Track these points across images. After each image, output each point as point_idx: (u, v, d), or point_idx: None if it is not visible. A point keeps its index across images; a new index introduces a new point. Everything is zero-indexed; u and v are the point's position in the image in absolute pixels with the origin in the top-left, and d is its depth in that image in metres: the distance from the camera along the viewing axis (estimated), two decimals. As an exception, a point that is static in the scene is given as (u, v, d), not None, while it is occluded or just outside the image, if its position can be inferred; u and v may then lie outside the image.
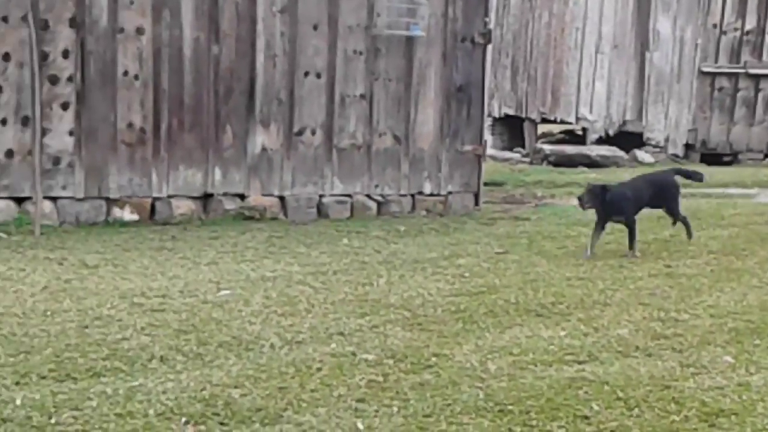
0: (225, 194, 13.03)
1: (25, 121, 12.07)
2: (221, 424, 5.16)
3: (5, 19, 11.93)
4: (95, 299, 8.01)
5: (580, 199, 10.45)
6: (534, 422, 5.38)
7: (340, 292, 8.54)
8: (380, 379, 6.03)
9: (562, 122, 24.27)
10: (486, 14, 14.45)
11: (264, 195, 13.22)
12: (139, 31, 12.50)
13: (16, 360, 6.18)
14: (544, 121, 24.53)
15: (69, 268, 9.44)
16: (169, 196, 12.79)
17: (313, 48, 13.36)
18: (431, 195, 14.23)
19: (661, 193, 10.88)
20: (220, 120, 12.98)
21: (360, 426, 5.21)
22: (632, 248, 10.45)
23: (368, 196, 13.87)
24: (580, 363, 6.50)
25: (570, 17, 23.32)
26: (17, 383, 5.71)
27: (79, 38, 12.27)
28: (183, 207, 12.81)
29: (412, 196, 14.19)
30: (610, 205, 10.33)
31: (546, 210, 14.55)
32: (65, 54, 12.21)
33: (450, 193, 14.42)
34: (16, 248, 10.51)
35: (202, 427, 5.09)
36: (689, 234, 11.12)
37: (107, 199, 12.51)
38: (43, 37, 12.06)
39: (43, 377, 5.85)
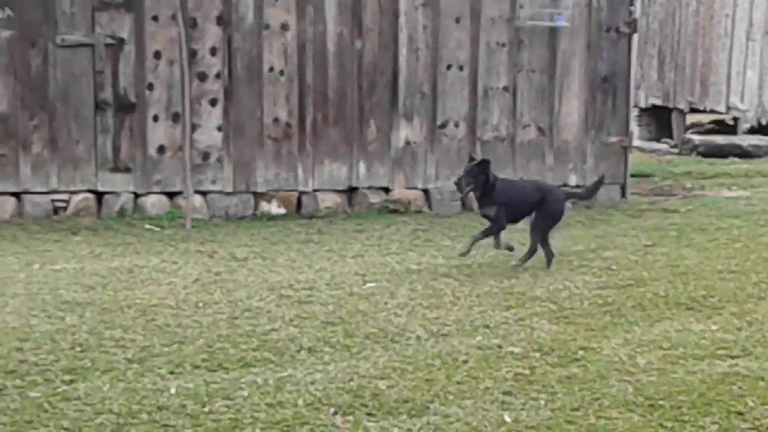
0: (369, 188, 13.12)
1: (176, 118, 12.39)
2: (369, 414, 5.20)
3: (155, 18, 12.26)
4: (245, 291, 8.17)
5: (457, 183, 9.10)
6: (686, 417, 5.26)
7: (486, 284, 8.50)
8: (527, 372, 5.99)
9: (712, 112, 23.63)
10: (631, 3, 14.17)
11: (408, 188, 13.27)
12: (284, 27, 12.68)
13: (170, 350, 6.34)
14: (693, 111, 23.93)
15: (219, 260, 9.65)
16: (315, 190, 12.95)
17: (455, 41, 13.34)
18: (576, 187, 14.04)
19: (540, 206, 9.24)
20: (363, 114, 13.08)
21: (507, 419, 5.19)
22: (494, 242, 9.19)
23: (510, 188, 13.76)
24: (733, 358, 6.33)
25: (719, 4, 22.70)
26: (172, 372, 5.85)
27: (226, 35, 12.53)
28: (328, 200, 12.95)
29: (557, 188, 14.04)
30: (490, 192, 9.04)
31: (695, 201, 14.19)
32: (213, 51, 12.49)
33: (595, 185, 14.20)
34: (169, 241, 10.80)
35: (350, 418, 5.14)
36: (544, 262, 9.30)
37: (255, 193, 12.75)
38: (192, 34, 12.36)
39: (197, 367, 5.99)
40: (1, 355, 6.11)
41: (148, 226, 11.72)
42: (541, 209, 9.18)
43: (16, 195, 12.09)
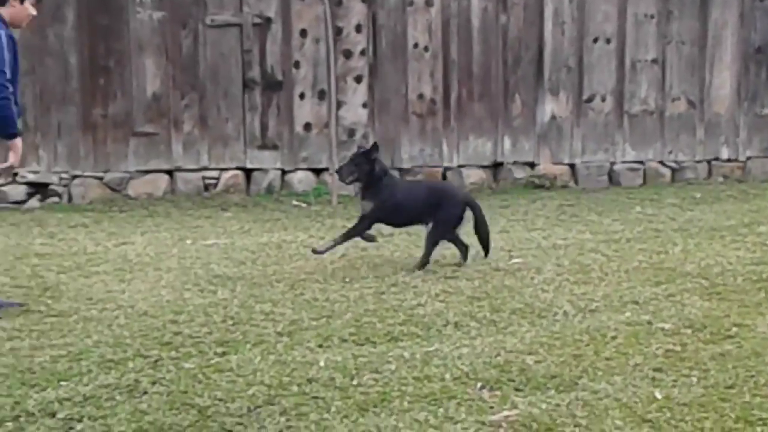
0: (515, 163, 13.05)
1: (322, 95, 12.52)
2: (516, 389, 5.16)
3: (302, -3, 12.41)
4: (391, 266, 8.21)
5: (338, 172, 8.36)
6: None
7: (634, 260, 8.36)
8: (678, 348, 5.86)
9: None
10: (787, -31, 13.72)
11: (554, 163, 13.14)
12: (428, 3, 12.68)
13: (319, 324, 6.42)
14: None
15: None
16: (460, 166, 12.94)
17: (602, 13, 13.12)
18: (728, 161, 13.69)
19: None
20: (508, 89, 12.99)
21: (658, 395, 5.08)
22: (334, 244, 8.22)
23: (661, 162, 13.51)
24: None
25: None
26: (320, 346, 5.92)
27: (370, 12, 12.59)
28: (473, 176, 12.93)
29: (708, 162, 13.71)
30: (375, 185, 8.07)
31: None
32: (358, 28, 12.56)
33: (749, 158, 13.82)
34: (315, 217, 10.94)
35: (498, 392, 5.11)
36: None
37: (400, 170, 12.80)
38: (337, 12, 12.45)
39: (344, 340, 6.04)
40: (156, 328, 6.28)
41: (295, 203, 11.90)
42: (436, 215, 8.06)
43: (169, 173, 12.41)
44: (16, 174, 12.07)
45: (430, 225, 8.07)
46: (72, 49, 12.17)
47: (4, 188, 12.03)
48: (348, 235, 8.16)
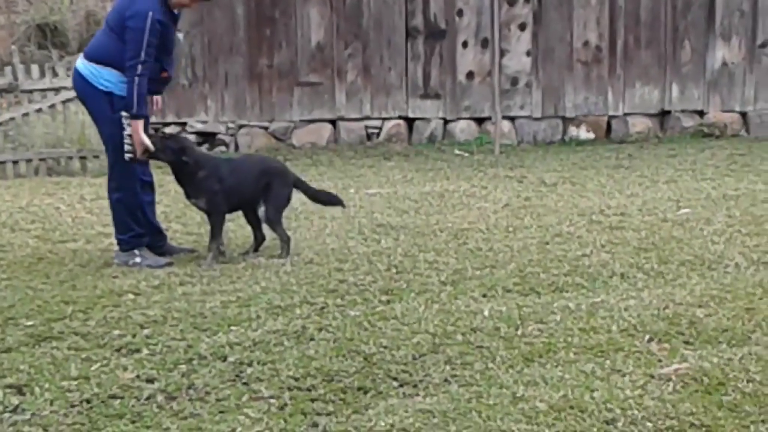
0: (683, 111, 12.69)
1: (485, 43, 12.40)
2: (686, 343, 5.04)
3: (465, -56, 12.28)
4: (554, 216, 8.11)
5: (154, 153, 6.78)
6: None
7: (811, 211, 8.05)
8: None
9: None
10: None
11: (724, 111, 12.72)
12: (595, -53, 12.40)
13: (482, 273, 6.39)
14: None
15: (528, 186, 9.63)
16: (625, 114, 12.67)
17: (779, -46, 12.59)
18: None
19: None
20: (677, 35, 12.62)
21: (836, 352, 4.89)
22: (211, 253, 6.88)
23: (839, 110, 12.95)
24: None
25: None
26: (484, 295, 5.90)
27: (536, -41, 12.39)
28: (639, 125, 12.65)
29: None
30: (190, 179, 6.87)
31: None
32: (523, -25, 12.39)
33: None
34: (478, 167, 10.89)
35: (667, 345, 4.99)
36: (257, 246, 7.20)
37: (563, 118, 12.62)
38: (502, -41, 12.29)
39: (508, 291, 6.00)
40: (322, 275, 6.36)
41: (457, 152, 11.87)
42: (268, 197, 6.98)
43: (332, 122, 12.52)
44: (184, 124, 12.39)
45: (262, 208, 6.95)
46: (239, 0, 12.36)
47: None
48: (215, 237, 6.87)
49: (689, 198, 8.76)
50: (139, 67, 6.48)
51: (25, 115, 11.79)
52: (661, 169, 10.36)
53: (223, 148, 12.44)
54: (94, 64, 6.68)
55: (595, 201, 8.73)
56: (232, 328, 5.30)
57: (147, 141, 6.61)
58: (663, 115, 12.75)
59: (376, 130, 12.54)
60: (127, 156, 6.70)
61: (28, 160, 11.71)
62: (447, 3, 12.38)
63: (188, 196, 6.94)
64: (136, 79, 6.49)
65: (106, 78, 6.64)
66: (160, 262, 6.78)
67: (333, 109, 12.49)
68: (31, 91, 11.67)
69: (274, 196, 6.96)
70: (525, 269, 6.47)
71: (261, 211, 6.92)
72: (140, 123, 6.59)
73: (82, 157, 11.70)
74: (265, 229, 7.05)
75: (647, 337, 5.09)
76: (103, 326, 5.38)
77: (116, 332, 5.26)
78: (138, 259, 6.80)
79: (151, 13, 6.47)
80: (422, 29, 12.43)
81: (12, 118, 11.82)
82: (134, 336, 5.20)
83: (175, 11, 6.76)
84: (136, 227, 6.87)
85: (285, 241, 6.94)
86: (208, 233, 6.92)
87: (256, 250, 7.10)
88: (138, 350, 5.00)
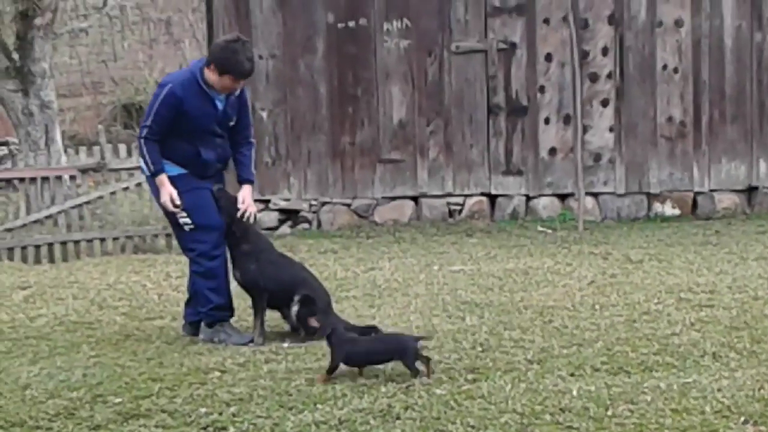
0: (772, 187, 12.50)
1: (567, 120, 12.39)
2: (783, 425, 4.90)
3: (547, 21, 12.32)
4: (642, 293, 7.99)
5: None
6: None
7: None
8: None
9: None
10: None
11: (815, 187, 12.51)
12: (678, 23, 12.36)
13: (569, 352, 6.30)
14: None
15: (613, 262, 9.51)
16: (712, 190, 12.51)
17: None
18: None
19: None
20: (764, 110, 12.49)
21: None
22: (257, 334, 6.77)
23: None
24: None
25: None
26: (572, 374, 5.80)
27: (617, 34, 12.38)
28: (726, 201, 12.47)
29: None
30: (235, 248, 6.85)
31: None
32: (604, 51, 12.38)
33: None
34: (561, 243, 10.80)
35: (762, 428, 4.86)
36: None
37: (648, 194, 12.50)
38: (583, 35, 12.30)
39: (597, 369, 5.90)
40: (406, 353, 6.32)
41: (540, 228, 11.80)
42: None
43: (414, 199, 12.56)
44: (268, 201, 12.51)
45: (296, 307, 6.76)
46: (322, 78, 12.53)
47: (258, 214, 12.49)
48: (257, 314, 6.81)
49: (781, 275, 8.58)
50: (144, 130, 6.61)
51: (113, 193, 12.02)
52: (750, 245, 10.18)
53: (306, 225, 12.52)
54: None
55: (682, 278, 8.59)
56: (318, 406, 5.27)
57: (174, 193, 6.61)
58: (750, 191, 12.56)
59: (459, 207, 12.54)
60: (186, 228, 6.75)
61: (115, 238, 11.91)
62: (528, 80, 12.41)
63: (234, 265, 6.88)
64: (141, 141, 6.62)
65: None
66: (245, 339, 6.79)
67: (415, 186, 12.53)
68: (117, 170, 11.92)
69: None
70: (613, 348, 6.36)
71: (294, 309, 6.73)
72: (162, 177, 6.64)
73: (168, 235, 11.85)
74: None
75: (742, 419, 4.96)
76: (189, 404, 5.39)
77: (203, 410, 5.26)
78: (223, 336, 6.82)
79: (170, 86, 6.58)
80: (504, 106, 12.46)
81: (100, 197, 12.06)
82: (221, 414, 5.20)
83: (217, 93, 6.69)
84: (216, 298, 6.86)
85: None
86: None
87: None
88: (224, 428, 5.00)
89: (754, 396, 5.27)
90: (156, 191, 6.80)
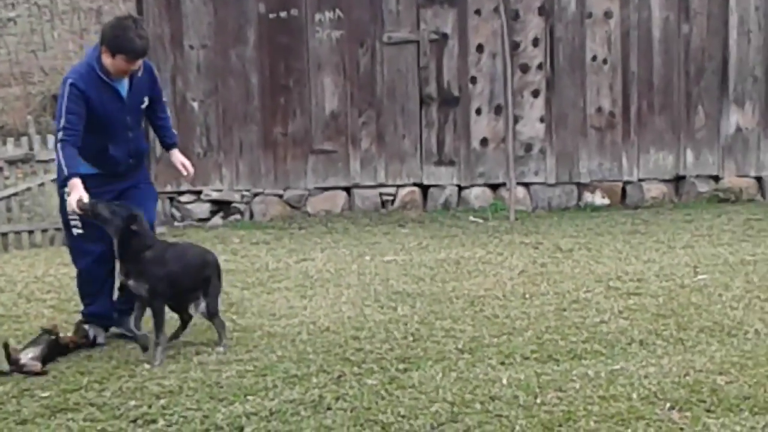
0: (698, 176, 12.67)
1: (498, 110, 12.46)
2: (707, 411, 4.97)
3: (478, 12, 12.37)
4: (571, 283, 8.07)
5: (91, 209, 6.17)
6: None
7: (829, 276, 7.99)
8: None
9: None
10: None
11: (739, 176, 12.70)
12: (607, 14, 12.47)
13: (500, 341, 6.35)
14: None
15: (544, 252, 9.60)
16: (640, 180, 12.66)
17: (791, 20, 12.65)
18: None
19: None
20: (691, 100, 12.64)
21: None
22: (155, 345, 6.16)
23: None
24: None
25: None
26: (502, 363, 5.85)
27: (548, 26, 12.47)
28: (654, 190, 12.63)
29: None
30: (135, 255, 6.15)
31: None
32: (535, 42, 12.46)
33: None
34: (493, 233, 10.87)
35: (688, 414, 4.93)
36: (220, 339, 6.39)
37: (578, 184, 12.61)
38: (514, 26, 12.37)
39: (526, 358, 5.95)
40: (338, 344, 6.32)
41: (472, 218, 11.86)
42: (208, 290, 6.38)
43: (347, 189, 12.55)
44: (199, 192, 12.43)
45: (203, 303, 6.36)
46: (253, 69, 12.47)
47: (189, 206, 12.42)
48: (160, 327, 6.14)
49: (706, 263, 8.71)
50: (60, 133, 6.14)
51: (41, 185, 11.85)
52: (677, 234, 10.33)
53: (237, 216, 12.47)
54: None
55: (611, 267, 8.69)
56: (249, 397, 5.26)
57: (85, 196, 6.04)
58: (678, 180, 12.74)
59: (391, 198, 12.56)
60: (75, 231, 6.42)
61: (44, 230, 11.76)
62: (460, 70, 12.46)
63: (127, 276, 6.15)
64: (59, 145, 6.14)
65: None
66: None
67: (347, 177, 12.52)
68: (46, 161, 11.74)
69: (213, 287, 6.34)
70: (543, 336, 6.43)
71: (202, 305, 6.32)
72: (76, 181, 6.10)
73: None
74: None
75: (668, 405, 5.04)
76: (118, 397, 5.35)
77: (132, 403, 5.23)
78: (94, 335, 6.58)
79: (71, 80, 6.18)
80: (436, 96, 12.49)
81: (28, 189, 11.89)
82: (150, 406, 5.17)
83: (117, 81, 6.33)
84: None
85: (224, 328, 6.39)
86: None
87: (177, 337, 6.47)
88: (154, 421, 4.97)
89: (680, 382, 5.36)
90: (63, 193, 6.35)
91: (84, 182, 6.15)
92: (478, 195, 12.53)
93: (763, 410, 4.96)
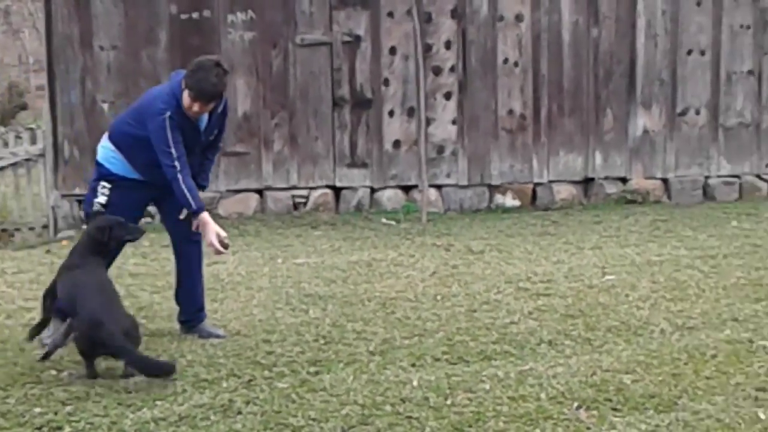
0: (606, 178, 12.87)
1: (411, 112, 12.50)
2: (614, 409, 5.07)
3: (391, 15, 12.40)
4: (482, 284, 8.14)
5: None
6: None
7: (732, 276, 8.17)
8: (781, 367, 5.70)
9: None
10: None
11: (646, 178, 12.93)
12: (519, 18, 12.59)
13: (411, 342, 6.38)
14: None
15: (455, 253, 9.66)
16: (550, 181, 12.81)
17: (696, 25, 12.89)
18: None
19: None
20: (600, 103, 12.83)
21: (761, 415, 4.95)
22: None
23: (758, 176, 13.20)
24: None
25: None
26: (413, 365, 5.88)
27: (460, 29, 12.55)
28: (564, 192, 12.79)
29: (807, 174, 13.38)
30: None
31: None
32: (448, 45, 12.53)
33: None
34: (405, 235, 10.91)
35: (595, 412, 5.02)
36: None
37: (489, 186, 12.72)
38: (427, 29, 12.43)
39: (437, 359, 5.99)
40: (249, 347, 6.29)
41: (384, 220, 11.88)
42: None
43: (259, 192, 12.49)
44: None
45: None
46: (164, 70, 12.31)
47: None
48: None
49: (614, 264, 8.85)
50: (177, 164, 6.21)
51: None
52: (586, 235, 10.48)
53: (148, 219, 12.32)
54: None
55: (521, 268, 8.78)
56: (157, 403, 5.21)
57: (222, 232, 6.24)
58: (587, 182, 12.92)
59: (304, 200, 12.52)
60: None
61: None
62: (373, 73, 12.48)
63: None
64: (179, 176, 6.21)
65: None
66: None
67: (260, 179, 12.46)
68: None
69: None
70: (453, 338, 6.48)
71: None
72: (205, 215, 6.31)
73: (4, 230, 11.52)
74: None
75: (576, 404, 5.12)
76: (23, 404, 5.26)
77: (37, 410, 5.15)
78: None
79: (168, 112, 6.24)
80: (349, 99, 12.49)
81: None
82: (56, 413, 5.09)
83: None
84: None
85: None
86: None
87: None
88: (60, 428, 4.90)
89: (587, 382, 5.45)
90: (118, 197, 6.45)
91: (121, 183, 6.44)
92: (390, 197, 12.55)
93: (667, 408, 5.07)
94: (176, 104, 6.32)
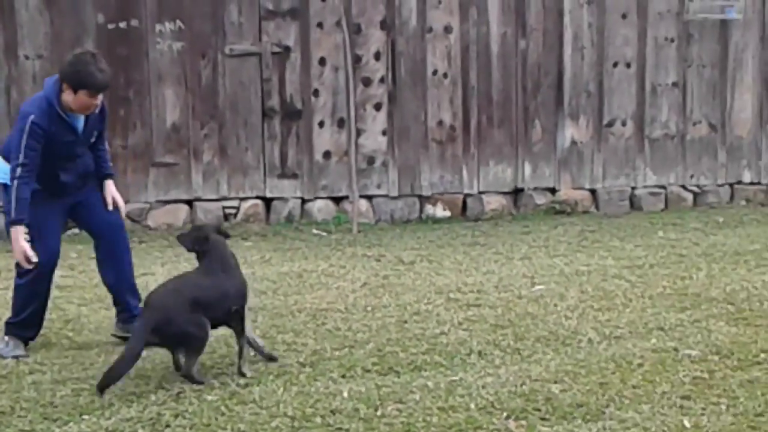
0: (535, 189, 12.99)
1: (341, 123, 12.51)
2: (542, 419, 5.11)
3: (320, 25, 12.40)
4: (413, 295, 8.17)
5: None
6: None
7: (658, 285, 8.29)
8: (705, 375, 5.80)
9: None
10: (809, -9, 13.64)
11: (575, 188, 13.08)
12: (447, 29, 12.67)
13: (341, 354, 6.38)
14: None
15: (386, 264, 9.68)
16: (480, 192, 12.89)
17: (621, 38, 13.07)
18: (751, 184, 13.60)
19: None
20: (528, 115, 12.95)
21: (687, 424, 5.02)
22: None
23: (683, 186, 13.42)
24: None
25: None
26: (343, 376, 5.88)
27: (389, 40, 12.59)
28: (494, 202, 12.88)
29: (731, 185, 13.61)
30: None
31: None
32: (377, 56, 12.56)
33: (772, 181, 13.74)
34: (336, 246, 10.91)
35: (524, 422, 5.06)
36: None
37: (420, 197, 12.77)
38: (356, 40, 12.45)
39: (368, 371, 6.00)
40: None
41: (315, 231, 11.87)
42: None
43: (189, 203, 12.40)
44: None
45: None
46: (92, 80, 12.19)
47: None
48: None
49: (543, 274, 8.93)
50: (19, 170, 6.18)
51: None
52: (515, 246, 10.56)
53: (75, 230, 12.17)
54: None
55: (452, 278, 8.83)
56: (84, 417, 5.16)
57: (29, 250, 6.23)
58: (516, 192, 13.02)
59: (234, 211, 12.46)
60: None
61: None
62: (303, 83, 12.46)
63: None
64: (15, 182, 6.18)
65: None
66: (13, 353, 6.52)
67: (189, 190, 12.37)
68: None
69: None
70: (384, 348, 6.49)
71: None
72: (20, 229, 6.23)
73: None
74: None
75: (505, 414, 5.16)
76: (-54, 419, 5.16)
77: (-40, 425, 5.06)
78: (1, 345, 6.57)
79: (32, 117, 6.20)
80: (278, 109, 12.46)
81: None
82: (-20, 429, 5.00)
83: (75, 117, 6.43)
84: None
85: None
86: None
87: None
88: (-17, 444, 4.81)
89: (516, 392, 5.49)
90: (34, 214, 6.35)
91: (34, 198, 6.29)
92: (321, 208, 12.54)
93: (595, 417, 5.12)
94: (46, 107, 6.29)
